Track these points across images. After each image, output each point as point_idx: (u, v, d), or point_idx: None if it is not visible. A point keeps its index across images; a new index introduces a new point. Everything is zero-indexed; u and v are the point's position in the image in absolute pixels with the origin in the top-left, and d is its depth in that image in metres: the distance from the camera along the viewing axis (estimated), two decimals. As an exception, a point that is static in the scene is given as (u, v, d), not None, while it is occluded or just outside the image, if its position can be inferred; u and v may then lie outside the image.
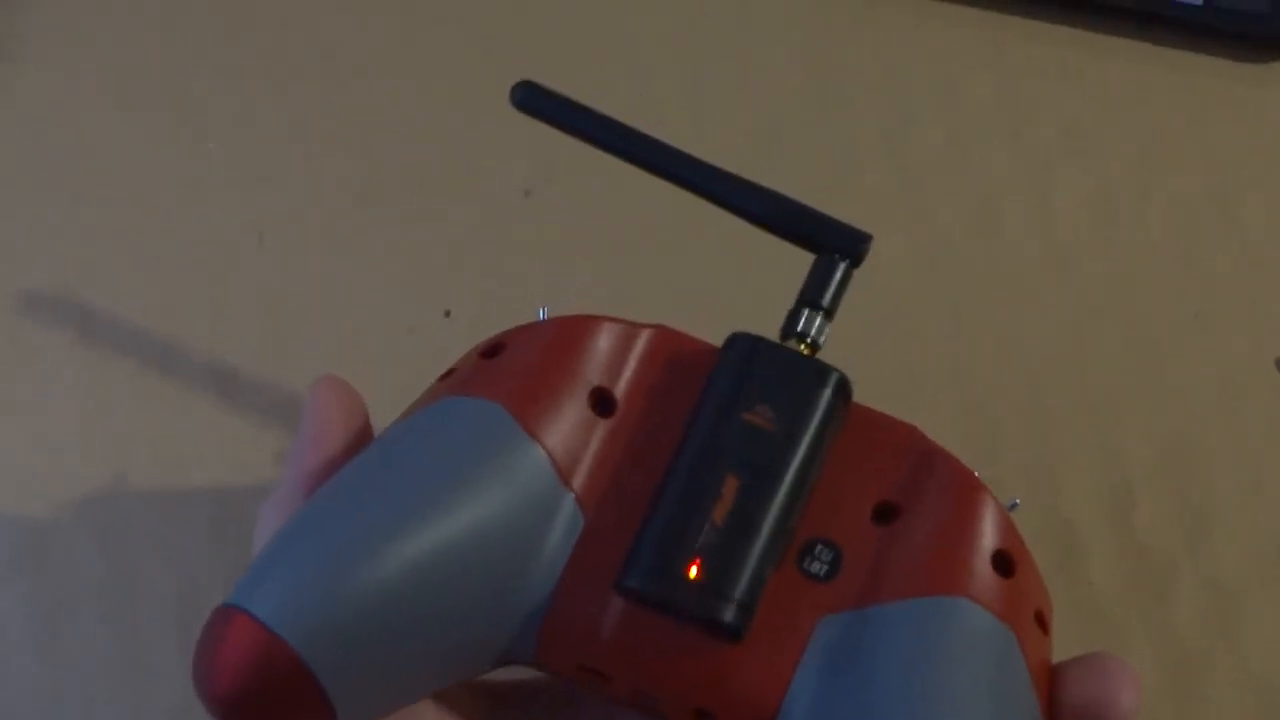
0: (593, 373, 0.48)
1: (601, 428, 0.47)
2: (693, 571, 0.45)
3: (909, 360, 0.63)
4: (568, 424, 0.47)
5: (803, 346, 0.49)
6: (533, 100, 0.51)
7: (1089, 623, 0.60)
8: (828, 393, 0.47)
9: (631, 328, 0.49)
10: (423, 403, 0.48)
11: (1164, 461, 0.62)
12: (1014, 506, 0.48)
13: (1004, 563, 0.46)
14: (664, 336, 0.49)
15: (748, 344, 0.47)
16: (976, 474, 0.47)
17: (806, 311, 0.49)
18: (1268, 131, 0.66)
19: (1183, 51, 0.68)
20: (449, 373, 0.49)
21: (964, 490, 0.47)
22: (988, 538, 0.46)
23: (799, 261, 0.49)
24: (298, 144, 0.67)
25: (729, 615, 0.44)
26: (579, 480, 0.47)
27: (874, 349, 0.63)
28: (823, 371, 0.47)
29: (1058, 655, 0.59)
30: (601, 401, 0.48)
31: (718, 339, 0.48)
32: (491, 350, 0.49)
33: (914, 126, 0.67)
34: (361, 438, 0.49)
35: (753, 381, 0.47)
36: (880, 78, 0.67)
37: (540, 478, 0.46)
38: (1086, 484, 0.61)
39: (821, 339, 0.49)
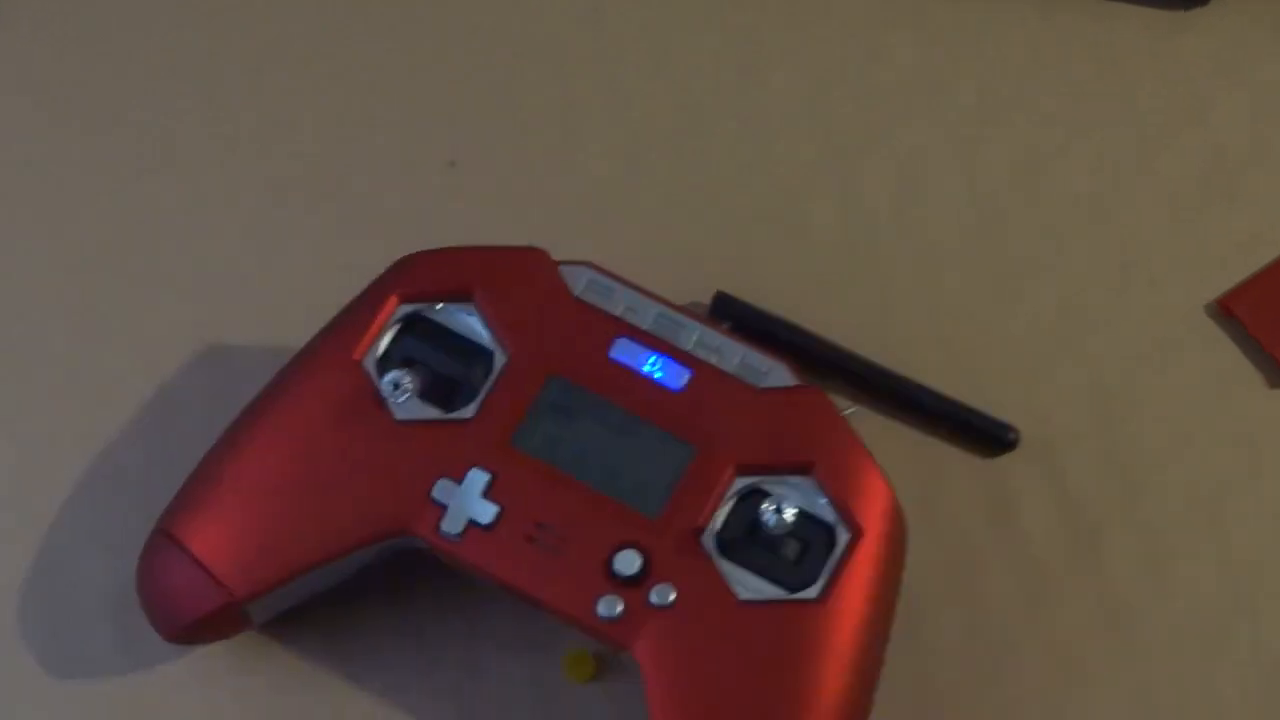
0: None
1: None
2: None
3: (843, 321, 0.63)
4: None
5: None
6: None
7: (1024, 575, 0.60)
8: None
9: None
10: None
11: (1096, 415, 0.62)
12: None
13: None
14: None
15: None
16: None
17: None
18: (1189, 78, 0.67)
19: (1103, 1, 0.68)
20: None
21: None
22: None
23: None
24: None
25: None
26: None
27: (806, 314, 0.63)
28: None
29: (990, 606, 0.60)
30: None
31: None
32: None
33: (834, 93, 0.67)
34: None
35: None
36: (800, 43, 0.67)
37: None
38: (1022, 441, 0.62)
39: None
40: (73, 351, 0.63)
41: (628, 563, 0.54)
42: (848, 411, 0.61)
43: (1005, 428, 0.61)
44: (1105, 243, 0.65)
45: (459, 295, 0.57)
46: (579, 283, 0.58)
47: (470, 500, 0.55)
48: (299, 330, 0.60)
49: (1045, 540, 0.61)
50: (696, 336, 0.57)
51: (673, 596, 0.54)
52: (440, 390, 0.57)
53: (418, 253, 0.58)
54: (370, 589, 0.60)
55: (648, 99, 0.67)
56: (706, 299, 0.63)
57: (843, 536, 0.55)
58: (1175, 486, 0.61)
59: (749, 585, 0.55)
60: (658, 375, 0.56)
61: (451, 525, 0.55)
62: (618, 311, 0.57)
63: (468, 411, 0.56)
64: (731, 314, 0.62)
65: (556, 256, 0.63)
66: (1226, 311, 0.63)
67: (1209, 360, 0.63)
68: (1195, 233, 0.65)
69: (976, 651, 0.59)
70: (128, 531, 0.61)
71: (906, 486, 0.61)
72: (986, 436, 0.61)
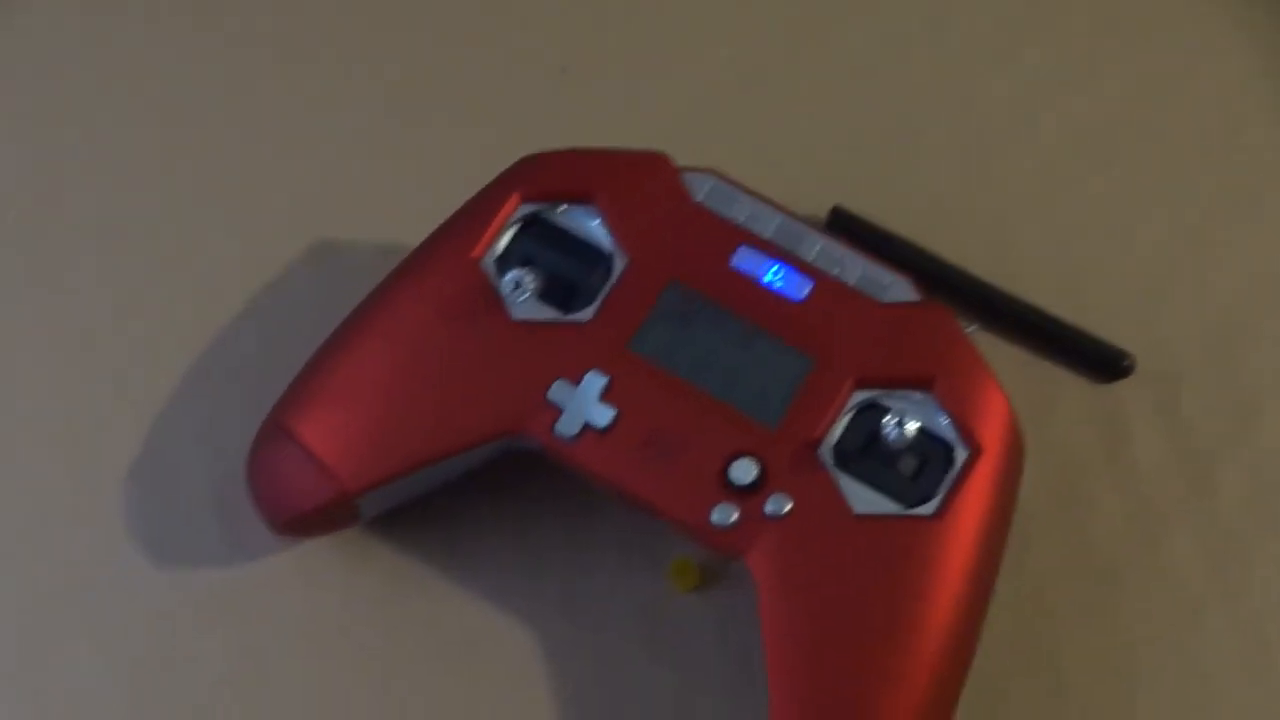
0: None
1: None
2: None
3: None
4: None
5: None
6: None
7: (1134, 503, 0.60)
8: None
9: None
10: None
11: (1213, 346, 0.62)
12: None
13: None
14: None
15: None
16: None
17: None
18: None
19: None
20: None
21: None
22: None
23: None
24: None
25: None
26: None
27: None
28: None
29: (1105, 542, 0.59)
30: None
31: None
32: None
33: (957, 10, 0.66)
34: None
35: None
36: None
37: None
38: (1137, 368, 0.61)
39: None
40: (185, 246, 0.63)
41: (744, 471, 0.54)
42: (968, 330, 0.61)
43: (1121, 354, 0.61)
44: (1231, 172, 0.64)
45: (580, 197, 0.57)
46: (701, 189, 0.57)
47: (587, 403, 0.55)
48: (412, 230, 0.60)
49: (1156, 469, 0.60)
50: (819, 248, 0.56)
51: (788, 507, 0.54)
52: (559, 292, 0.57)
53: (541, 153, 0.58)
54: (477, 492, 0.60)
55: (765, 6, 0.66)
56: (821, 214, 0.63)
57: (961, 454, 0.55)
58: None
59: (865, 499, 0.54)
60: (779, 285, 0.56)
61: (567, 427, 0.55)
62: (740, 220, 0.57)
63: (586, 314, 0.56)
64: (848, 228, 0.62)
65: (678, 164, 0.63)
66: (1347, 247, 0.63)
67: (1328, 295, 0.63)
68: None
69: (1086, 578, 0.59)
70: (236, 425, 0.60)
71: (1019, 407, 0.61)
72: (1101, 362, 0.61)
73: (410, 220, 0.62)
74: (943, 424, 0.55)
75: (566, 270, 0.57)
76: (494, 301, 0.56)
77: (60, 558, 0.59)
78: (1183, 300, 0.62)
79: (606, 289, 0.56)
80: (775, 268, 0.56)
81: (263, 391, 0.60)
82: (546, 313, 0.56)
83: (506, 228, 0.57)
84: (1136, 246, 0.63)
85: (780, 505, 0.54)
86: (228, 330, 0.62)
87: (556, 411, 0.55)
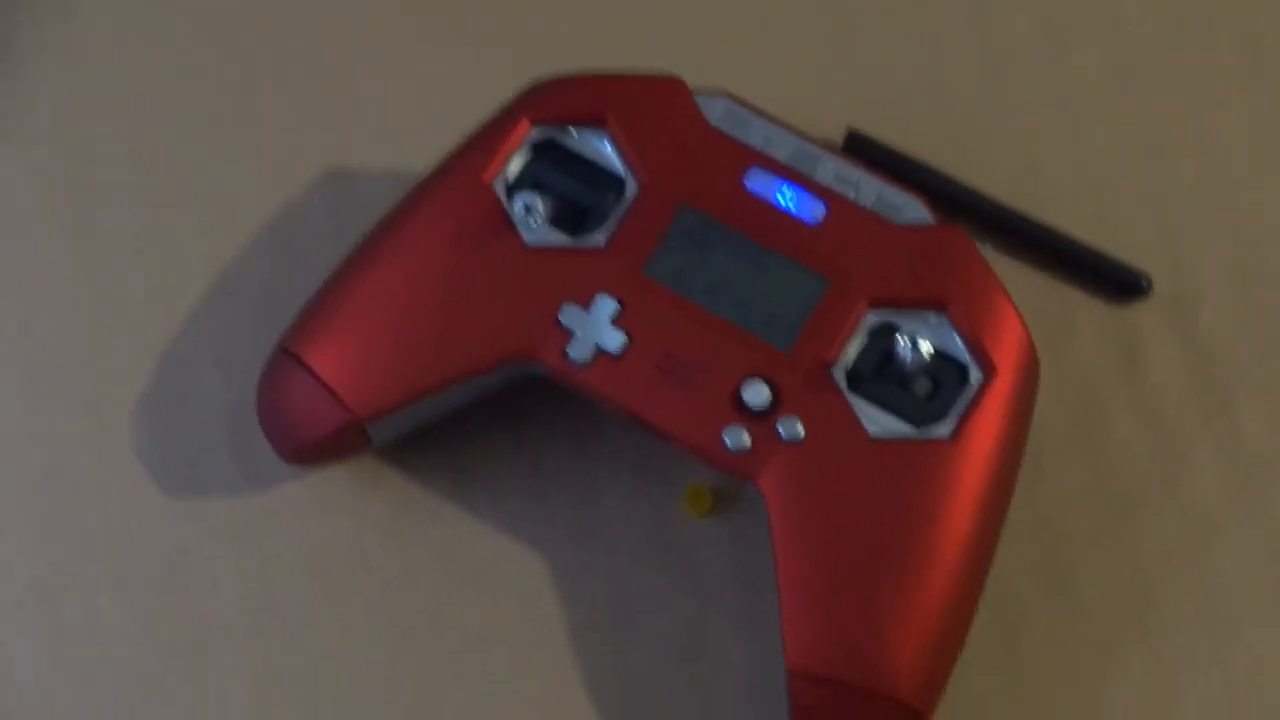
0: None
1: None
2: None
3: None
4: None
5: None
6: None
7: (1150, 425, 0.59)
8: None
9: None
10: None
11: (1232, 272, 0.61)
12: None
13: None
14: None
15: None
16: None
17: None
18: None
19: None
20: None
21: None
22: None
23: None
24: None
25: None
26: None
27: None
28: None
29: (1121, 464, 0.59)
30: None
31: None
32: None
33: None
34: None
35: None
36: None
37: None
38: (1155, 288, 0.61)
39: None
40: (198, 170, 0.63)
41: (756, 394, 0.53)
42: (982, 249, 0.60)
43: (1137, 274, 0.60)
44: (1257, 102, 0.63)
45: (592, 121, 0.57)
46: (715, 112, 0.57)
47: (599, 327, 0.54)
48: (423, 156, 0.60)
49: (1173, 392, 0.60)
50: (833, 170, 0.56)
51: (801, 430, 0.54)
52: (570, 217, 0.56)
53: (551, 78, 0.57)
54: (489, 419, 0.60)
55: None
56: (838, 138, 0.62)
57: (975, 375, 0.54)
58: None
59: (879, 421, 0.54)
60: (792, 207, 0.56)
61: (579, 352, 0.54)
62: (754, 143, 0.56)
63: (598, 238, 0.56)
64: (864, 151, 0.61)
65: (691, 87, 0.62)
66: (1367, 168, 0.62)
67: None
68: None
69: (1102, 502, 0.59)
70: (249, 351, 0.60)
71: (1034, 329, 0.60)
72: (1118, 281, 0.60)
73: (425, 146, 0.62)
74: (957, 346, 0.55)
75: (578, 195, 0.56)
76: (505, 227, 0.56)
77: (73, 488, 0.59)
78: (1203, 223, 0.62)
79: (619, 213, 0.56)
80: (788, 190, 0.56)
81: (275, 320, 0.60)
82: (558, 237, 0.56)
83: (517, 152, 0.57)
84: (1159, 169, 0.62)
85: (792, 428, 0.53)
86: (242, 254, 0.62)
87: (568, 336, 0.54)
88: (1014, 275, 0.61)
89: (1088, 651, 0.57)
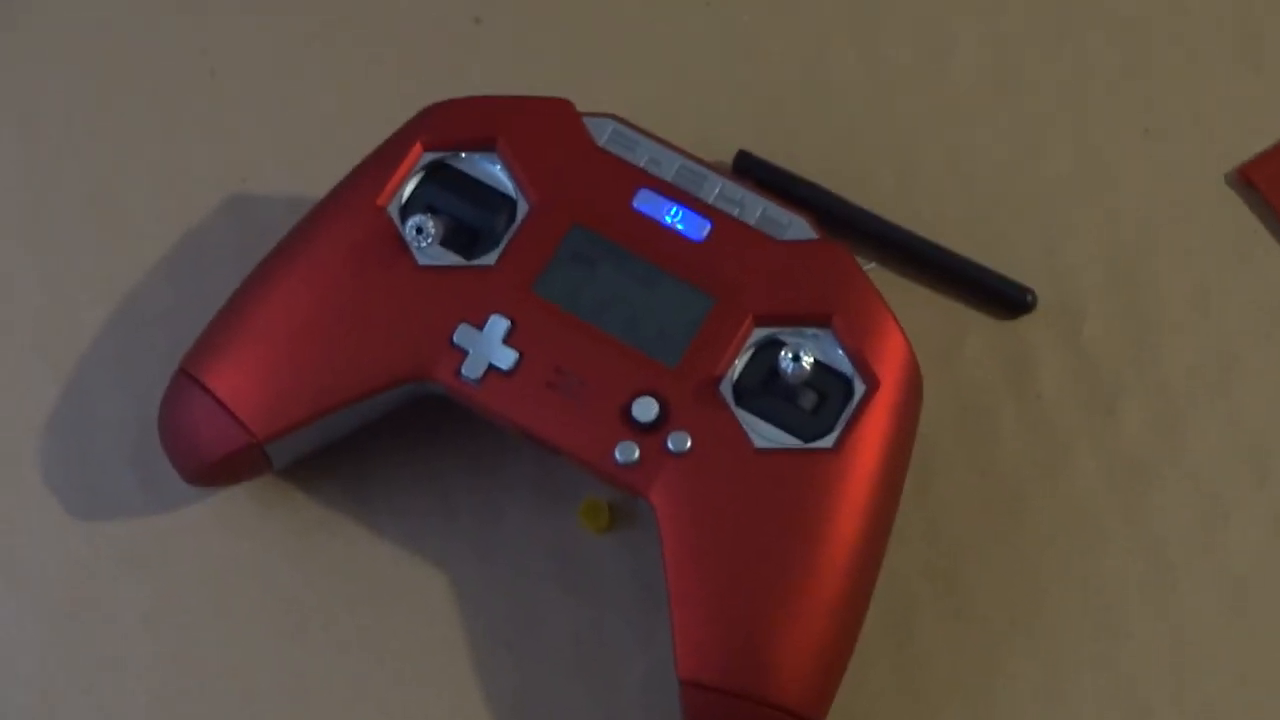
0: None
1: None
2: None
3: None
4: None
5: None
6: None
7: (1037, 434, 0.61)
8: None
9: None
10: None
11: (1113, 279, 0.62)
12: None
13: None
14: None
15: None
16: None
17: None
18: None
19: None
20: None
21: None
22: None
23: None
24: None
25: None
26: None
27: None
28: None
29: (1009, 472, 0.60)
30: None
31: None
32: None
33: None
34: None
35: None
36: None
37: None
38: (1040, 301, 0.62)
39: None
40: (100, 195, 0.64)
41: (645, 409, 0.55)
42: (866, 268, 0.62)
43: (1023, 289, 0.61)
44: (1128, 106, 0.65)
45: (483, 144, 0.58)
46: (603, 134, 0.58)
47: (491, 345, 0.55)
48: (323, 179, 0.61)
49: (1061, 401, 0.61)
50: (718, 189, 0.57)
51: (689, 443, 0.55)
52: (462, 238, 0.57)
53: (442, 101, 0.58)
54: (390, 437, 0.61)
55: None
56: (728, 159, 0.64)
57: (859, 388, 0.56)
58: (1190, 351, 0.62)
59: (765, 434, 0.55)
60: (679, 226, 0.57)
61: (472, 370, 0.55)
62: (641, 163, 0.57)
63: (490, 259, 0.57)
64: (753, 172, 0.62)
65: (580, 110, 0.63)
66: (1246, 180, 0.63)
67: (1227, 227, 0.63)
68: (1218, 99, 0.65)
69: (990, 508, 0.60)
70: (151, 374, 0.61)
71: (925, 346, 0.61)
72: (1005, 298, 0.62)
73: (324, 171, 0.62)
74: (841, 359, 0.56)
75: (470, 216, 0.57)
76: (399, 249, 0.57)
77: (-21, 510, 0.60)
78: (1084, 235, 0.63)
79: (510, 234, 0.57)
80: (675, 209, 0.57)
81: (179, 342, 0.61)
82: (451, 258, 0.57)
83: (410, 176, 0.58)
84: (1038, 181, 0.64)
85: (681, 442, 0.55)
86: (144, 279, 0.63)
87: (461, 355, 0.55)
88: (906, 292, 0.63)
89: (978, 652, 0.59)
